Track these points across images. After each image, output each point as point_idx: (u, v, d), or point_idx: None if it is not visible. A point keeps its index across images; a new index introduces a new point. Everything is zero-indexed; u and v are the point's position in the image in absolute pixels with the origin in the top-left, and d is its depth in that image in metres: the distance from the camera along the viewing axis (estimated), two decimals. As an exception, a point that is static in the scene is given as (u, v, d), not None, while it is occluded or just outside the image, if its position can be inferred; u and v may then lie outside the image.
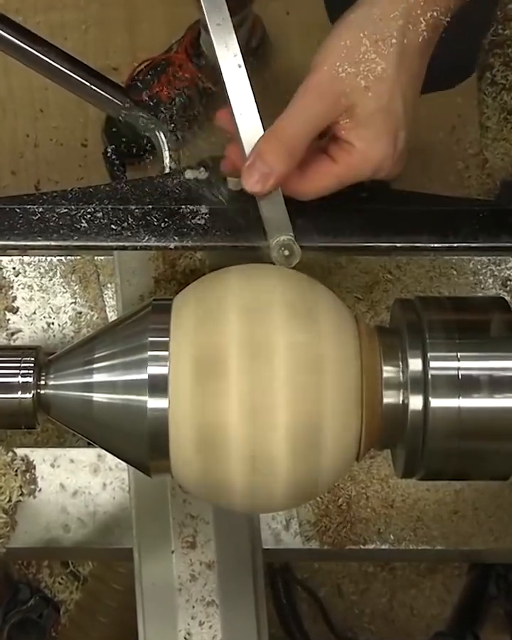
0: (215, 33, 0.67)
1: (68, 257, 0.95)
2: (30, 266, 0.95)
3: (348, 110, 0.66)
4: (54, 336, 0.94)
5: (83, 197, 0.77)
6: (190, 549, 0.85)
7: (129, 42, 1.64)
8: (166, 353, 0.61)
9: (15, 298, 0.94)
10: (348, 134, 0.67)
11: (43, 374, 0.66)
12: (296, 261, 0.69)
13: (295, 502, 0.66)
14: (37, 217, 0.75)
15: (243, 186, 0.67)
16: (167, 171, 0.89)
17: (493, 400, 0.61)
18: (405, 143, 0.69)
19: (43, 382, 0.66)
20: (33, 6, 1.61)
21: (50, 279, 0.95)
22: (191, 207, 0.76)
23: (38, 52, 0.90)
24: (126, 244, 0.75)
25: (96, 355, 0.64)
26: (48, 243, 0.75)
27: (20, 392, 0.65)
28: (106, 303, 0.95)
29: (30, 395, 0.65)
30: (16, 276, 0.95)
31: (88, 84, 0.91)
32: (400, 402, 0.62)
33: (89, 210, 0.76)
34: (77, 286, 0.95)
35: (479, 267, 0.94)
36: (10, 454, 0.90)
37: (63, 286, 0.95)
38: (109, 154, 1.46)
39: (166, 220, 0.76)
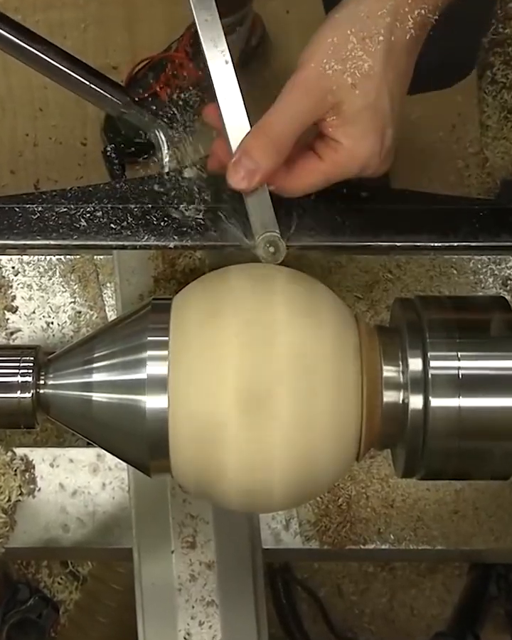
0: (202, 29, 0.67)
1: (67, 257, 0.95)
2: (30, 265, 0.95)
3: (335, 107, 0.66)
4: (53, 335, 0.94)
5: (82, 196, 0.77)
6: (190, 549, 0.84)
7: (129, 41, 1.64)
8: (165, 353, 0.61)
9: (14, 297, 0.94)
10: (335, 131, 0.67)
11: (42, 373, 0.66)
12: (282, 257, 0.69)
13: (295, 502, 0.66)
14: (36, 216, 0.75)
15: (228, 183, 0.67)
16: (167, 169, 0.89)
17: (493, 399, 0.61)
18: (392, 140, 0.69)
19: (42, 382, 0.65)
20: (33, 4, 1.61)
21: (50, 279, 0.95)
22: (191, 206, 0.75)
23: (37, 51, 0.90)
24: (126, 243, 0.75)
25: (95, 355, 0.64)
26: (47, 242, 0.75)
27: (19, 392, 0.65)
28: (105, 302, 0.95)
29: (30, 395, 0.65)
30: (15, 275, 0.95)
31: (87, 83, 0.91)
32: (400, 401, 0.62)
33: (88, 209, 0.76)
34: (76, 286, 0.95)
35: (479, 266, 0.94)
36: (9, 453, 0.90)
37: (63, 286, 0.95)
38: (108, 153, 1.45)
39: (165, 219, 0.75)
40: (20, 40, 0.89)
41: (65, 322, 0.94)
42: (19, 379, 0.65)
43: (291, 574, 1.50)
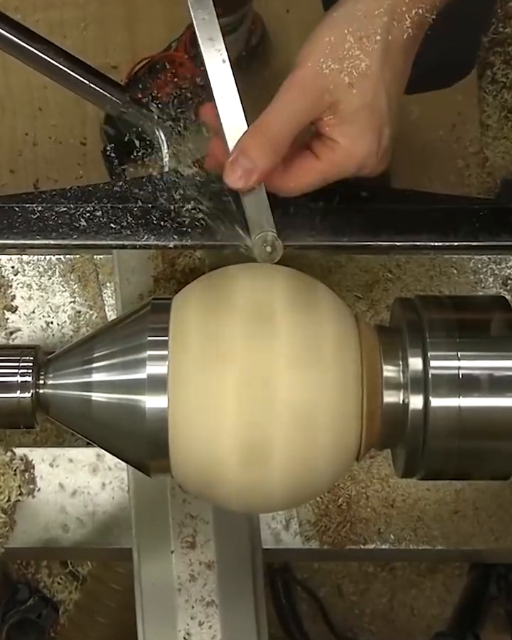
0: (199, 28, 0.67)
1: (67, 256, 0.95)
2: (29, 265, 0.95)
3: (332, 107, 0.66)
4: (53, 335, 0.94)
5: (82, 195, 0.77)
6: (189, 549, 0.84)
7: (129, 40, 1.63)
8: (165, 353, 0.61)
9: (14, 297, 0.94)
10: (332, 130, 0.67)
11: (42, 373, 0.66)
12: (279, 257, 0.69)
13: (294, 502, 0.66)
14: (36, 215, 0.75)
15: (225, 182, 0.67)
16: (166, 169, 0.88)
17: (493, 399, 0.61)
18: (389, 140, 0.68)
19: (41, 382, 0.65)
20: (32, 3, 1.61)
21: (49, 278, 0.95)
22: (191, 205, 0.75)
23: (37, 50, 0.90)
24: (126, 243, 0.75)
25: (95, 355, 0.64)
26: (46, 242, 0.75)
27: (19, 392, 0.65)
28: (105, 302, 0.95)
29: (29, 395, 0.65)
30: (15, 275, 0.95)
31: (87, 82, 0.90)
32: (401, 401, 0.62)
33: (88, 208, 0.76)
34: (76, 285, 0.95)
35: (480, 265, 0.94)
36: (9, 453, 0.90)
37: (62, 285, 0.95)
38: (108, 153, 1.45)
39: (165, 218, 0.75)
40: (19, 40, 0.89)
41: (65, 322, 0.94)
42: (19, 379, 0.65)
43: (291, 574, 1.50)
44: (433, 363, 0.61)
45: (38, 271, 0.95)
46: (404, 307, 0.65)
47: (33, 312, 0.94)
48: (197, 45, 0.67)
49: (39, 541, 0.90)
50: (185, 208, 0.75)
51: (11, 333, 0.93)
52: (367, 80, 0.65)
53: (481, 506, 0.92)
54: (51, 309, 0.94)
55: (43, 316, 0.94)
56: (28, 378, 0.65)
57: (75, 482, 0.91)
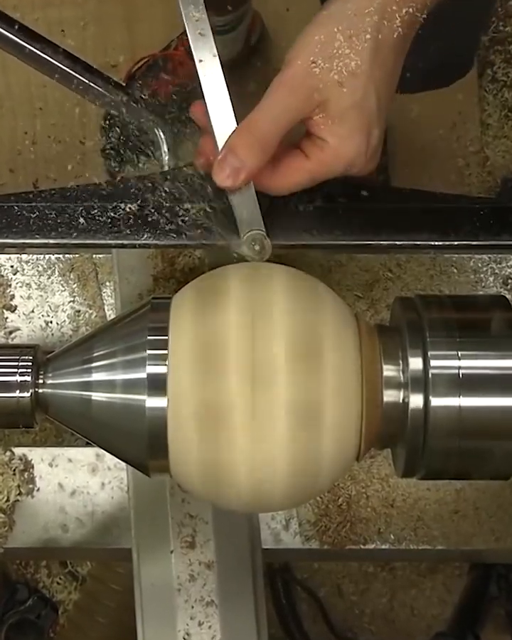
0: (189, 25, 0.67)
1: (67, 255, 0.95)
2: (29, 264, 0.95)
3: (322, 105, 0.66)
4: (52, 334, 0.94)
5: (81, 194, 0.76)
6: (189, 549, 0.84)
7: (128, 39, 1.63)
8: (164, 352, 0.61)
9: (13, 296, 0.94)
10: (321, 129, 0.67)
11: (41, 373, 0.65)
12: (267, 256, 0.69)
13: (295, 501, 0.66)
14: (35, 214, 0.75)
15: (214, 180, 0.67)
16: (166, 168, 0.88)
17: (493, 398, 0.61)
18: (379, 140, 0.68)
19: (41, 381, 0.65)
20: (31, 2, 1.61)
21: (49, 277, 0.95)
22: (190, 204, 0.75)
23: (36, 49, 0.89)
24: (125, 242, 0.75)
25: (94, 354, 0.63)
26: (46, 241, 0.75)
27: (18, 391, 0.65)
28: (104, 301, 0.95)
29: (28, 394, 0.65)
30: (14, 274, 0.94)
31: (87, 81, 0.90)
32: (401, 400, 0.62)
33: (87, 207, 0.75)
34: (75, 285, 0.95)
35: (480, 265, 0.94)
36: (8, 453, 0.90)
37: (61, 285, 0.95)
38: (107, 152, 1.45)
39: (165, 217, 0.75)
40: (19, 39, 0.89)
41: (64, 321, 0.94)
42: (18, 378, 0.65)
43: (291, 574, 1.50)
44: (433, 363, 0.61)
45: (37, 270, 0.95)
46: (405, 306, 0.65)
47: (33, 311, 0.94)
48: (187, 42, 0.67)
49: (38, 541, 0.90)
50: (184, 207, 0.75)
51: (10, 332, 0.93)
52: (356, 78, 0.65)
53: (482, 506, 0.92)
54: (50, 308, 0.94)
55: (43, 316, 0.94)
56: (27, 378, 0.65)
57: (75, 482, 0.91)
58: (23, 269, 0.94)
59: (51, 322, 0.94)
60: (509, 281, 0.94)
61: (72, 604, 1.45)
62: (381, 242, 0.77)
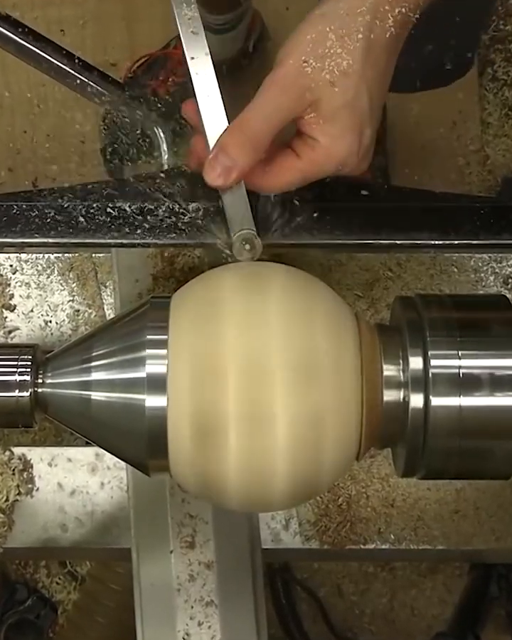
0: (182, 24, 0.66)
1: (66, 255, 0.95)
2: (28, 263, 0.95)
3: (313, 105, 0.66)
4: (51, 333, 0.94)
5: (81, 194, 0.76)
6: (188, 549, 0.84)
7: (128, 38, 1.63)
8: (164, 351, 0.60)
9: (12, 296, 0.94)
10: (313, 129, 0.67)
11: (41, 372, 0.65)
12: (258, 255, 0.69)
13: (295, 501, 0.66)
14: (34, 214, 0.75)
15: (205, 179, 0.67)
16: (165, 167, 0.88)
17: (494, 398, 0.61)
18: (370, 139, 0.68)
19: (40, 381, 0.65)
20: (31, 1, 1.61)
21: (48, 277, 0.95)
22: (190, 203, 0.75)
23: (36, 48, 0.89)
24: (125, 241, 0.75)
25: (94, 354, 0.63)
26: (45, 240, 0.75)
27: (17, 391, 0.65)
28: (104, 301, 0.95)
29: (28, 394, 0.65)
30: (14, 273, 0.94)
31: (86, 80, 0.90)
32: (401, 400, 0.61)
33: (87, 206, 0.75)
34: (75, 284, 0.95)
35: (480, 264, 0.94)
36: (7, 452, 0.90)
37: (61, 284, 0.95)
38: (107, 151, 1.45)
39: (164, 217, 0.75)
40: (18, 37, 0.89)
41: (64, 320, 0.94)
42: (17, 377, 0.65)
43: (291, 574, 1.50)
44: (433, 362, 0.61)
45: (36, 269, 0.94)
46: (405, 306, 0.65)
47: (32, 311, 0.94)
48: (179, 39, 0.67)
49: (37, 541, 0.90)
50: (184, 206, 0.75)
51: (10, 331, 0.93)
52: (348, 78, 0.65)
53: (482, 506, 0.92)
54: (50, 308, 0.94)
55: (42, 315, 0.94)
56: (27, 377, 0.65)
57: (74, 481, 0.90)
58: (23, 269, 0.94)
59: (50, 321, 0.94)
60: (510, 280, 0.94)
61: (72, 604, 1.44)
62: (381, 242, 0.76)
